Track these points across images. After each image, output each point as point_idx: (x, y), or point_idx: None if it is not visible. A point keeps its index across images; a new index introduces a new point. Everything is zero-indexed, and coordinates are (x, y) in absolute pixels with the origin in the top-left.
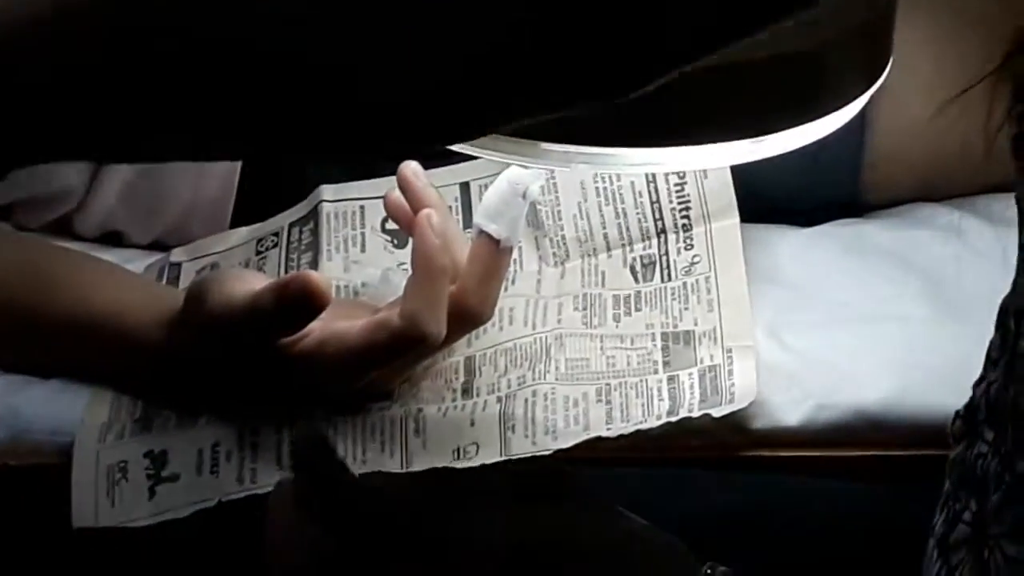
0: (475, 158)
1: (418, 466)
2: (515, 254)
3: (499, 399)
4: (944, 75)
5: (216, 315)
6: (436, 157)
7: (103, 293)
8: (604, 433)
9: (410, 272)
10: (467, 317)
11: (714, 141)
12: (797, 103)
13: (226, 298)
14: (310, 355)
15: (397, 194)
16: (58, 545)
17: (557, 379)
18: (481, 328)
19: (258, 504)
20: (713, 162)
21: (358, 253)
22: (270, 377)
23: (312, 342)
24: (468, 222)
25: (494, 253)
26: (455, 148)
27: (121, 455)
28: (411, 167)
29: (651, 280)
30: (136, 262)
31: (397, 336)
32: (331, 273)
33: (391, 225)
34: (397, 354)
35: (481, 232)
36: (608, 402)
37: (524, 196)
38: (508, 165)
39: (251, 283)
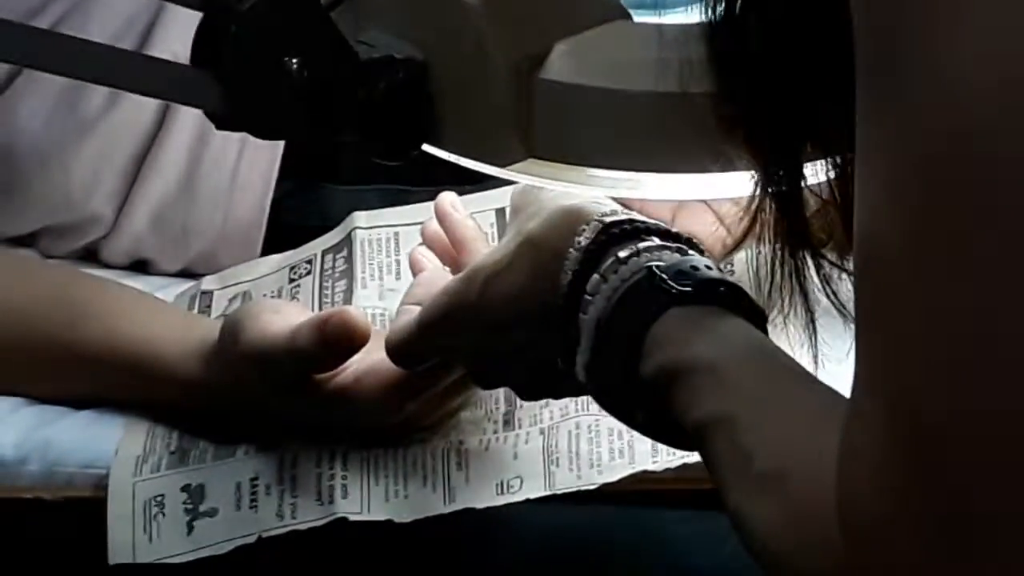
0: (511, 183)
1: (461, 502)
2: None
3: (541, 431)
4: None
5: (252, 350)
6: (472, 182)
7: (136, 323)
8: (650, 466)
9: None
10: None
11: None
12: None
13: (262, 333)
14: (347, 390)
15: (435, 226)
16: None
17: (600, 410)
18: None
19: (299, 540)
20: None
21: (393, 281)
22: (307, 411)
23: (349, 377)
24: None
25: None
26: (501, 174)
27: (158, 489)
28: (449, 199)
29: None
30: (165, 290)
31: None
32: (366, 301)
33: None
34: (435, 382)
35: None
36: None
37: None
38: None
39: (288, 317)
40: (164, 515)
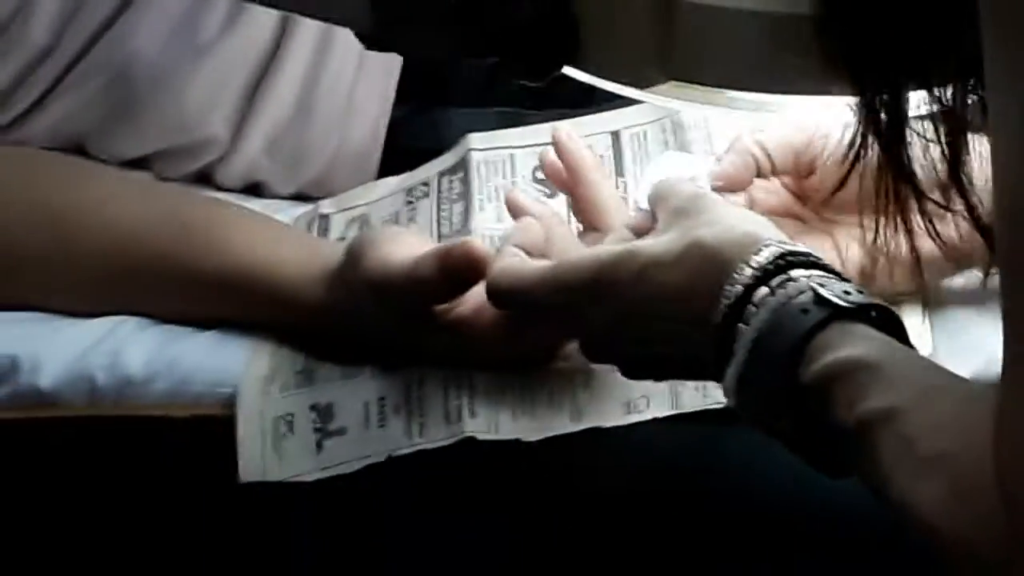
0: (625, 105)
1: (587, 421)
2: None
3: None
4: None
5: (374, 278)
6: (587, 105)
7: (259, 247)
8: None
9: (565, 221)
10: None
11: None
12: None
13: (383, 262)
14: (467, 321)
15: (552, 156)
16: (220, 499)
17: None
18: None
19: (428, 461)
20: None
21: None
22: (428, 340)
23: (469, 308)
24: (620, 169)
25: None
26: (642, 97)
27: (287, 408)
28: (564, 129)
29: None
30: (280, 213)
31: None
32: (483, 224)
33: (542, 174)
34: (558, 306)
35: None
36: None
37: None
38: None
39: (410, 246)
40: (293, 434)
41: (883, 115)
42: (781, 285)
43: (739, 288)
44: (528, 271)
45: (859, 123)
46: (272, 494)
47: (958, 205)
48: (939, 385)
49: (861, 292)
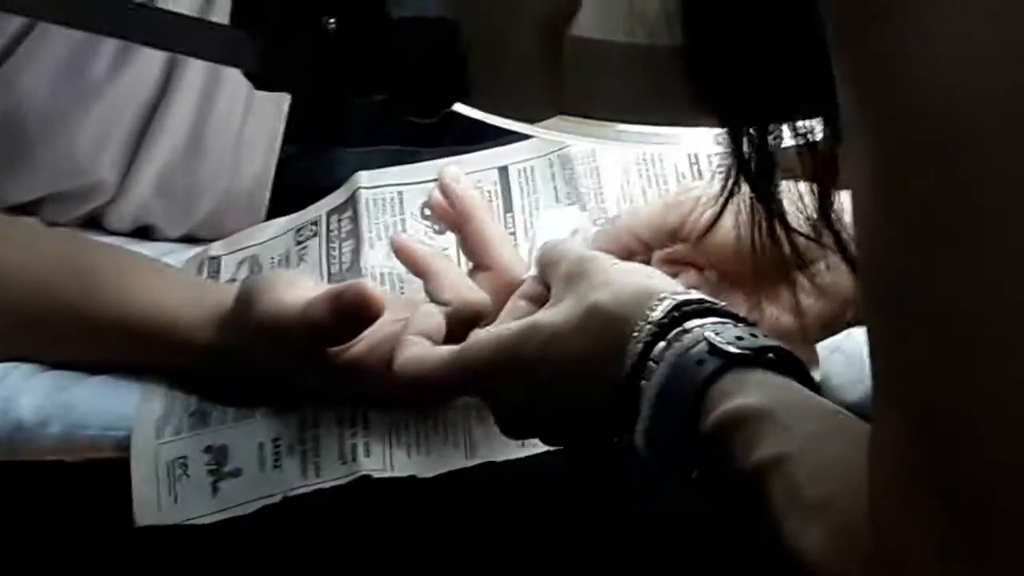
0: (514, 141)
1: (481, 456)
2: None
3: None
4: None
5: (267, 322)
6: (475, 141)
7: (149, 291)
8: None
9: (453, 259)
10: None
11: None
12: None
13: (275, 304)
14: (361, 361)
15: (438, 196)
16: (116, 543)
17: None
18: None
19: (324, 499)
20: None
21: None
22: (322, 381)
23: (363, 347)
24: (508, 205)
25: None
26: (532, 131)
27: (180, 451)
28: (450, 171)
29: None
30: (171, 256)
31: (450, 318)
32: (374, 261)
33: (430, 212)
34: (451, 338)
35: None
36: None
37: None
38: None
39: (302, 289)
40: (188, 476)
41: (752, 152)
42: (677, 338)
43: (639, 346)
44: (433, 358)
45: (730, 160)
46: (169, 537)
47: (830, 242)
48: (828, 429)
49: (755, 336)
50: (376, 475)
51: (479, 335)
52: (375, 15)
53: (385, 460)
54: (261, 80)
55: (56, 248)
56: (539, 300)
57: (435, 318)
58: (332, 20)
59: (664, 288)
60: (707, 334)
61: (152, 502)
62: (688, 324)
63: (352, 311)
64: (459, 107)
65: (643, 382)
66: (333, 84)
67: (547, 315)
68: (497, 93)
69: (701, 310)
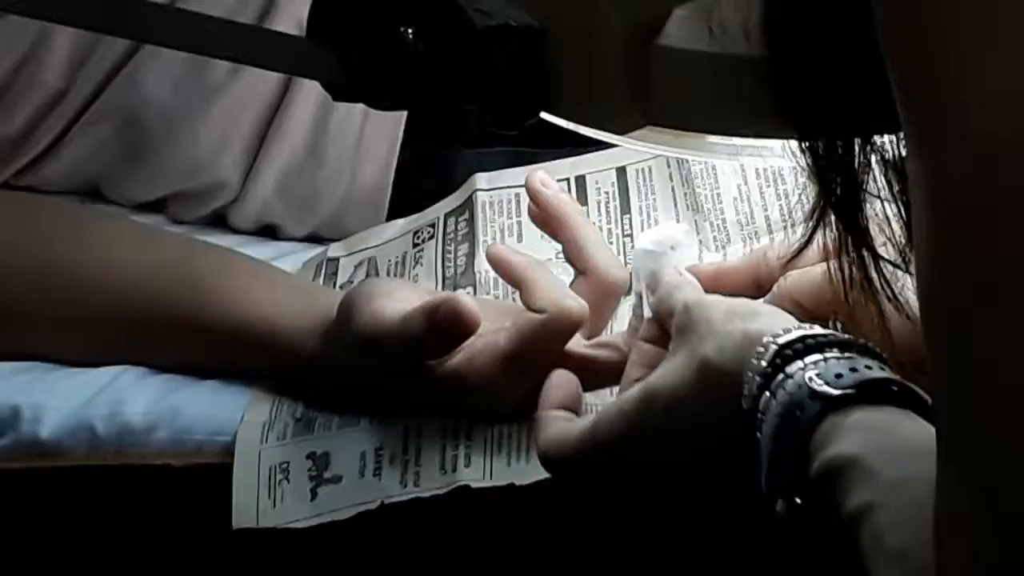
0: None
1: None
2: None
3: None
4: None
5: (366, 334)
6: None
7: (257, 298)
8: None
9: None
10: None
11: None
12: None
13: (374, 317)
14: (461, 372)
15: (534, 208)
16: (217, 547)
17: None
18: None
19: (421, 508)
20: None
21: (515, 243)
22: (423, 393)
23: (463, 358)
24: (625, 207)
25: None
26: (619, 142)
27: (283, 456)
28: (538, 176)
29: None
30: (293, 256)
31: (546, 326)
32: (488, 265)
33: None
34: (549, 347)
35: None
36: None
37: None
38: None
39: (402, 300)
40: (288, 481)
41: (836, 173)
42: (780, 385)
43: (749, 400)
44: (573, 440)
45: (817, 186)
46: (266, 541)
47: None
48: (916, 473)
49: (856, 369)
50: (475, 485)
51: (609, 410)
52: (457, 24)
53: (484, 470)
54: (339, 91)
55: (166, 251)
56: (660, 340)
57: (568, 387)
58: (411, 31)
59: (767, 329)
60: (809, 375)
61: (251, 506)
62: (790, 368)
63: (447, 327)
64: (547, 116)
65: (758, 434)
66: (414, 95)
67: (662, 377)
68: (584, 103)
69: (804, 348)
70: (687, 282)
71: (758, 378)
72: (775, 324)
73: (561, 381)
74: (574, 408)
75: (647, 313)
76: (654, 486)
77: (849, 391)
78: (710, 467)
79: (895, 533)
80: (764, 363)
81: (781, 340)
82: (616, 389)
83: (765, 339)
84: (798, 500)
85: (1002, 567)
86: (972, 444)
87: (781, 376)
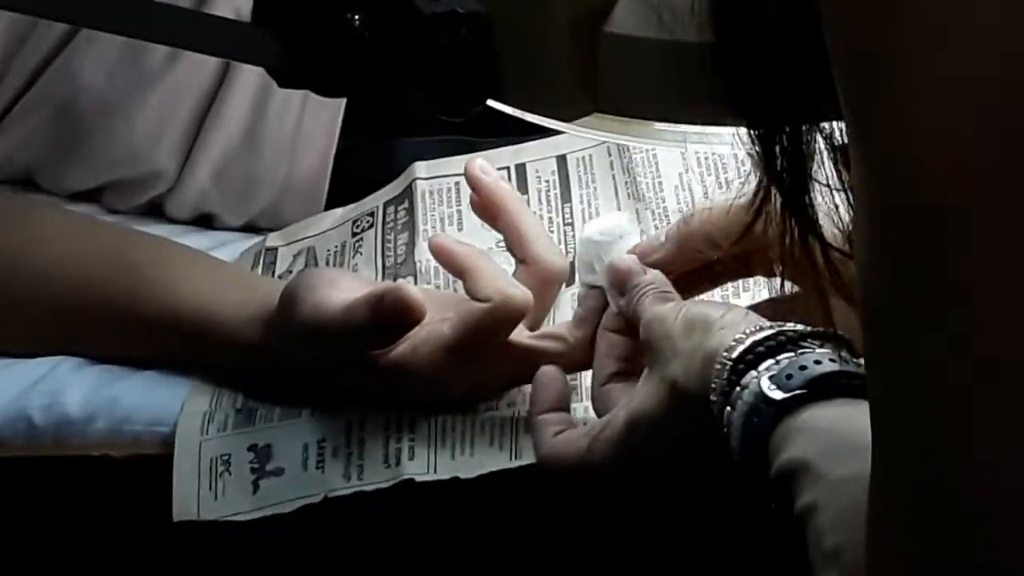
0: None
1: (527, 458)
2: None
3: None
4: None
5: (309, 323)
6: (536, 131)
7: (195, 288)
8: None
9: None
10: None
11: None
12: None
13: (317, 307)
14: (403, 362)
15: (474, 197)
16: (157, 538)
17: None
18: None
19: (365, 502)
20: None
21: (455, 232)
22: (365, 383)
23: (406, 348)
24: (566, 196)
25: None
26: (567, 129)
27: (224, 448)
28: (477, 164)
29: None
30: (230, 246)
31: (491, 315)
32: (428, 255)
33: None
34: (494, 336)
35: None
36: None
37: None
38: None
39: (345, 290)
40: (230, 474)
41: (783, 160)
42: (739, 397)
43: (719, 419)
44: (571, 456)
45: (762, 168)
46: (206, 533)
47: None
48: (853, 474)
49: (806, 367)
50: (419, 478)
51: (603, 435)
52: (403, 11)
53: (429, 463)
54: (284, 78)
55: (103, 241)
56: (627, 330)
57: (557, 385)
58: (357, 17)
59: (723, 344)
60: (763, 382)
61: (192, 498)
62: (744, 380)
63: (391, 316)
64: (494, 104)
65: (732, 446)
66: (360, 82)
67: (643, 403)
68: (531, 91)
69: (755, 358)
70: (648, 283)
71: (719, 397)
72: (729, 335)
73: (549, 379)
74: (565, 407)
75: (612, 306)
76: (648, 504)
77: (800, 392)
78: (696, 484)
79: (832, 533)
80: (723, 380)
81: (735, 355)
82: (588, 387)
83: (719, 357)
84: (773, 506)
85: (925, 569)
86: (902, 446)
87: (738, 389)
